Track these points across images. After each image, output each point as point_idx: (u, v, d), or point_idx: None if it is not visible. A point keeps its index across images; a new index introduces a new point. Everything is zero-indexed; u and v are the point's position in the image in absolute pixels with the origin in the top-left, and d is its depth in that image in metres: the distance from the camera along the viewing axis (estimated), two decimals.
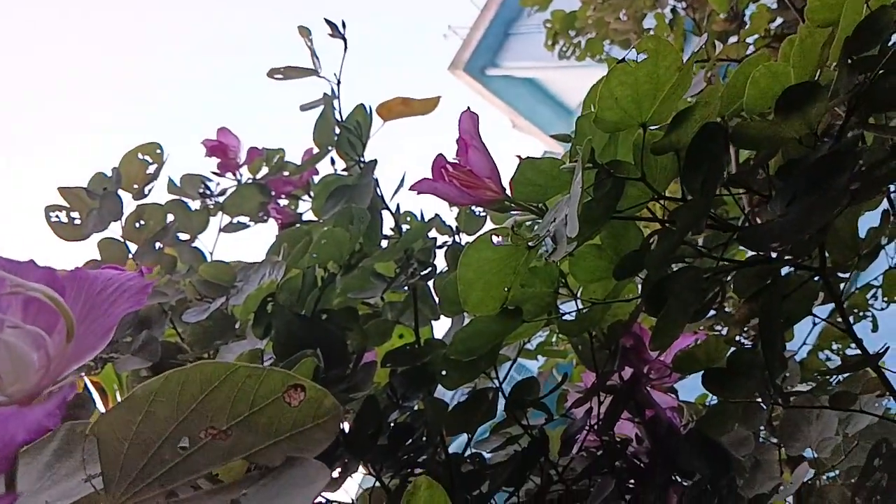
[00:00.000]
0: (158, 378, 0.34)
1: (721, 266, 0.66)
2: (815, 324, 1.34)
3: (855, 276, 1.36)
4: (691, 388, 0.91)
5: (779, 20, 1.10)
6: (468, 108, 0.55)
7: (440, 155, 0.59)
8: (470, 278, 0.61)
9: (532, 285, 0.68)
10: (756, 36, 1.02)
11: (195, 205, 1.16)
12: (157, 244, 1.13)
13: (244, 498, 0.31)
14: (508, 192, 0.57)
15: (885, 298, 1.38)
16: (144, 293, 0.34)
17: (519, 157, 0.55)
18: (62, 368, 0.30)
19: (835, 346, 1.35)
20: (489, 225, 1.08)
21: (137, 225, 1.11)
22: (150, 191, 1.13)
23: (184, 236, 1.15)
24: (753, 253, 0.69)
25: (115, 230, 1.08)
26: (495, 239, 0.61)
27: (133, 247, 1.11)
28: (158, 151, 1.07)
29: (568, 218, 0.44)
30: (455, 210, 1.13)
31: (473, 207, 1.12)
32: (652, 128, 0.52)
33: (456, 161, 0.57)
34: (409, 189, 0.58)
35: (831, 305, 1.14)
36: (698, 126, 0.52)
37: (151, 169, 1.12)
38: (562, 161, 0.51)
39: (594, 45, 1.44)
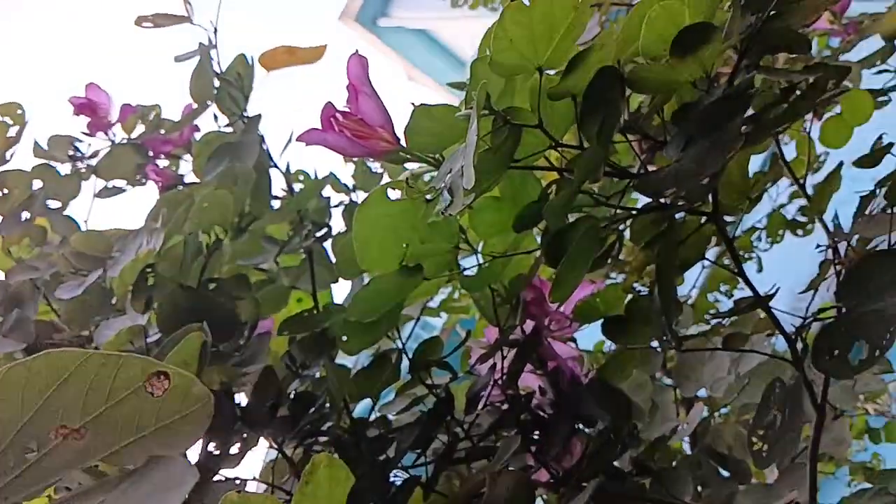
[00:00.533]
0: None
1: (618, 215, 0.65)
2: (704, 267, 1.39)
3: (739, 219, 1.42)
4: (589, 336, 0.92)
5: None
6: (356, 51, 0.51)
7: (329, 103, 0.55)
8: (366, 235, 0.58)
9: (432, 241, 0.66)
10: None
11: (65, 169, 1.06)
12: (25, 214, 1.03)
13: None
14: (403, 142, 0.54)
15: (770, 238, 1.45)
16: None
17: (413, 104, 0.52)
18: None
19: (723, 288, 1.41)
20: (387, 180, 1.05)
21: (1, 194, 1.02)
22: (12, 156, 1.04)
23: (54, 204, 1.06)
24: (647, 200, 0.69)
25: None
26: (391, 193, 0.58)
27: None
28: (20, 112, 0.97)
29: (464, 169, 0.41)
30: (351, 167, 1.09)
31: (370, 163, 1.08)
32: (549, 72, 0.50)
33: (346, 110, 0.53)
34: (297, 140, 0.54)
35: (718, 249, 1.19)
36: (595, 70, 0.50)
37: (12, 131, 1.02)
38: (458, 108, 0.49)
39: None
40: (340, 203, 1.04)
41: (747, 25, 0.53)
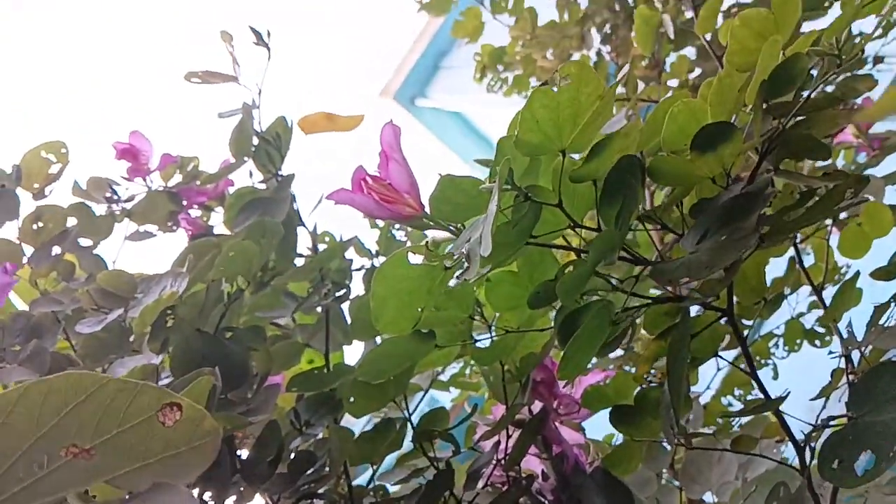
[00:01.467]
0: (19, 387, 0.31)
1: (631, 301, 0.66)
2: (718, 368, 1.38)
3: (758, 325, 1.40)
4: (599, 426, 0.91)
5: (698, 71, 1.15)
6: (391, 120, 0.54)
7: (360, 167, 0.57)
8: (383, 295, 0.59)
9: (447, 308, 0.67)
10: (676, 82, 1.05)
11: (100, 209, 1.10)
12: (56, 249, 1.06)
13: None
14: (428, 210, 0.56)
15: (787, 347, 1.43)
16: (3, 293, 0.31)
17: (440, 174, 0.54)
18: None
19: (737, 392, 1.39)
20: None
21: (35, 227, 1.05)
22: (51, 192, 1.08)
23: (86, 242, 1.09)
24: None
25: (10, 231, 1.01)
26: (412, 257, 0.59)
27: (29, 250, 1.04)
28: (64, 151, 1.01)
29: (482, 237, 0.43)
30: (376, 233, 1.12)
31: (394, 231, 1.10)
32: (573, 156, 0.52)
33: (376, 174, 0.55)
34: (326, 198, 0.56)
35: (735, 352, 1.18)
36: (616, 157, 0.52)
37: (55, 168, 1.06)
38: (482, 182, 0.51)
39: (521, 81, 1.46)
40: (362, 267, 1.06)
41: (769, 129, 0.55)
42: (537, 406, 0.81)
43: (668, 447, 0.83)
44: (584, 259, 0.52)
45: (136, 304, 0.83)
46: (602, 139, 0.51)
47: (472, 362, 1.12)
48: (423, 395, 1.11)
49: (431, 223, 0.58)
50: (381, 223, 1.11)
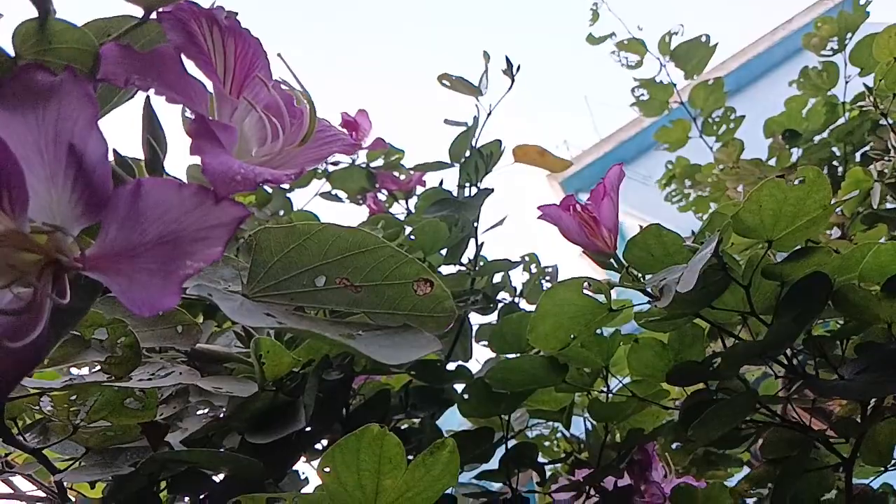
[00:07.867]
0: (318, 224, 0.39)
1: (764, 412, 0.68)
2: None
3: None
4: None
5: None
6: (621, 164, 0.61)
7: (571, 195, 0.64)
8: (547, 311, 0.65)
9: (589, 349, 0.71)
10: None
11: None
12: None
13: (358, 336, 0.35)
14: (620, 252, 0.62)
15: None
16: (354, 148, 0.39)
17: (645, 225, 0.60)
18: (281, 162, 0.36)
19: None
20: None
21: None
22: None
23: (284, 185, 1.22)
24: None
25: None
26: (585, 289, 0.65)
27: None
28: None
29: (684, 276, 0.48)
30: (525, 276, 1.18)
31: (543, 282, 1.16)
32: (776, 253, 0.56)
33: (587, 204, 0.62)
34: (537, 209, 0.63)
35: None
36: (812, 269, 0.56)
37: None
38: (683, 239, 0.56)
39: (702, 202, 1.50)
40: (503, 300, 1.13)
41: None
42: (625, 481, 0.84)
43: None
44: (756, 340, 0.55)
45: None
46: (806, 248, 0.55)
47: (562, 430, 1.15)
48: (506, 442, 1.14)
49: (614, 263, 0.63)
50: (534, 268, 1.17)
